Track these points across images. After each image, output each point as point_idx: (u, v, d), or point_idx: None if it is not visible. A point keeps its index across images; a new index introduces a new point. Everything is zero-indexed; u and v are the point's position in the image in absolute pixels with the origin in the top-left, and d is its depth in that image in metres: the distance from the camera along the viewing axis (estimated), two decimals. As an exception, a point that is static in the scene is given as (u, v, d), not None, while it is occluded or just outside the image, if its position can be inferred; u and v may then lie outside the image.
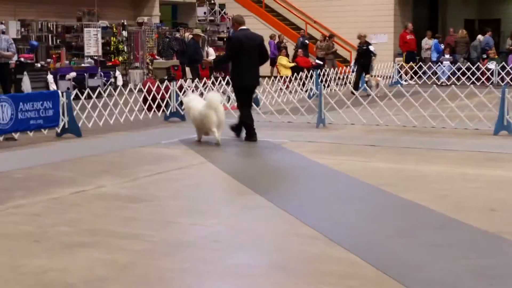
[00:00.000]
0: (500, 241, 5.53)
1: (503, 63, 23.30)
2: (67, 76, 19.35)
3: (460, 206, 6.72)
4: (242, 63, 11.11)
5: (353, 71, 21.72)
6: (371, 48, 20.41)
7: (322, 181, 8.17)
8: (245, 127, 11.24)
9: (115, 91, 14.28)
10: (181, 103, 13.70)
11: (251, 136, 11.14)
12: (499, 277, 4.65)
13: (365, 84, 19.15)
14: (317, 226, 6.00)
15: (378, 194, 7.33)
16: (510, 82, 21.16)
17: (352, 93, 15.29)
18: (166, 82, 15.05)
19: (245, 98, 11.34)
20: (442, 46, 25.48)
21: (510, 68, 22.64)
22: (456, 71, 23.11)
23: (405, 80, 23.69)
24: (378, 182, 7.84)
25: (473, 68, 22.37)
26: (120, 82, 20.53)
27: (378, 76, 21.12)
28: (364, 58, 20.31)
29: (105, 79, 20.34)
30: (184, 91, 14.67)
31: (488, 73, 22.85)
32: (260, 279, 4.80)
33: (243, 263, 5.18)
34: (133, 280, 4.74)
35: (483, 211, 6.52)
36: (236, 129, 11.45)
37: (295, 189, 7.71)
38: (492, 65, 23.23)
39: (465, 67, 22.93)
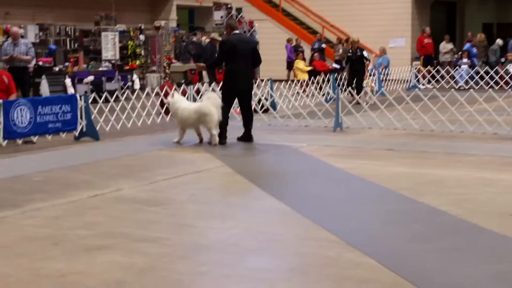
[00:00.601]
0: (519, 246, 5.49)
1: (522, 66, 23.13)
2: (85, 80, 19.47)
3: (478, 210, 6.67)
4: (235, 66, 11.37)
5: (344, 79, 20.39)
6: (365, 53, 19.42)
7: (340, 185, 8.15)
8: (220, 126, 11.21)
9: (132, 95, 14.34)
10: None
11: (223, 138, 11.28)
12: (519, 283, 4.62)
13: (382, 89, 19.15)
14: (335, 230, 5.99)
15: (396, 198, 7.30)
16: (529, 86, 21.01)
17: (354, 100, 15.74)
18: (183, 86, 15.09)
19: (233, 101, 11.77)
20: (475, 50, 25.25)
21: (528, 71, 22.48)
22: (475, 75, 22.98)
23: (423, 84, 23.59)
24: (395, 186, 7.81)
25: (492, 72, 22.24)
26: (137, 85, 20.63)
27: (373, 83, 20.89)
28: (358, 64, 19.00)
29: (122, 82, 20.45)
30: (201, 95, 14.69)
31: (507, 77, 22.70)
32: (278, 283, 4.80)
33: (261, 267, 5.18)
34: (152, 284, 4.76)
35: (503, 216, 6.47)
36: (242, 138, 11.63)
37: (313, 193, 7.69)
38: (511, 69, 23.07)
39: (483, 71, 22.80)
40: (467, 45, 25.52)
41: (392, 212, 6.77)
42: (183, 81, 17.42)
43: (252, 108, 11.59)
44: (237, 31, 11.89)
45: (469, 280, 4.68)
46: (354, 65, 19.01)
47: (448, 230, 6.03)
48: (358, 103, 16.03)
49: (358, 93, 17.10)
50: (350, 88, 17.72)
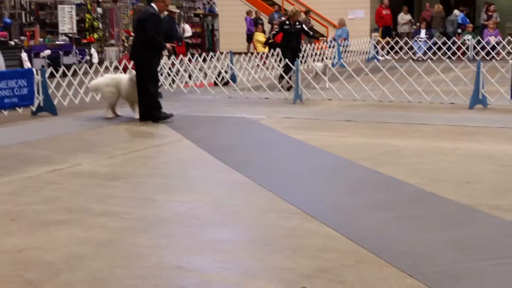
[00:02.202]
0: (474, 213, 5.59)
1: (478, 37, 23.43)
2: (42, 54, 19.12)
3: (436, 179, 6.77)
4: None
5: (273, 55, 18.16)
6: (305, 27, 16.37)
7: (299, 156, 8.19)
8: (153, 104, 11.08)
9: (90, 69, 14.15)
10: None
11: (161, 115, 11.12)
12: (473, 248, 4.71)
13: (341, 60, 19.19)
14: (295, 201, 6.03)
15: (355, 169, 7.37)
16: (486, 57, 21.30)
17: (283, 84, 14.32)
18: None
19: None
20: (468, 20, 25.31)
21: (485, 42, 22.78)
22: (432, 46, 23.19)
23: (382, 56, 23.74)
24: (355, 156, 7.88)
25: (449, 43, 22.48)
26: (95, 59, 20.35)
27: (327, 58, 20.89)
28: (296, 39, 15.55)
29: (80, 56, 20.13)
30: (161, 68, 14.56)
31: (464, 48, 22.96)
32: (238, 254, 4.82)
33: (221, 239, 5.19)
34: (111, 257, 4.74)
35: (459, 184, 6.58)
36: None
37: (273, 165, 7.72)
38: (467, 40, 23.35)
39: (441, 41, 23.02)
40: (461, 15, 25.38)
41: (351, 182, 6.83)
42: (142, 54, 17.18)
43: (147, 87, 10.82)
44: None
45: (426, 247, 4.76)
46: (291, 40, 15.43)
47: (406, 199, 6.12)
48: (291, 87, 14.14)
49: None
50: (283, 71, 14.61)
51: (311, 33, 16.00)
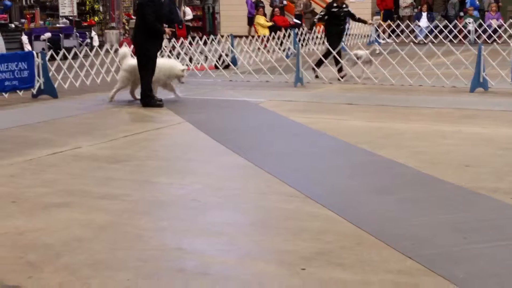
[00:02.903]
0: (474, 196, 5.60)
1: (480, 20, 23.34)
2: (42, 37, 19.09)
3: (436, 162, 6.78)
4: None
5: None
6: (351, 10, 14.92)
7: (300, 139, 8.19)
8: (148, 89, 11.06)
9: (91, 52, 14.12)
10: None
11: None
12: (472, 231, 4.72)
13: (342, 43, 19.13)
14: (295, 183, 6.04)
15: (355, 152, 7.37)
16: (487, 40, 21.23)
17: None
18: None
19: None
20: (478, 2, 25.07)
21: (487, 25, 22.69)
22: (434, 29, 23.10)
23: (383, 39, 23.65)
24: (355, 140, 7.88)
25: (450, 26, 22.39)
26: (96, 42, 20.32)
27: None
28: (343, 23, 14.54)
29: (80, 39, 20.10)
30: (161, 51, 14.52)
31: (465, 31, 22.88)
32: (238, 237, 4.84)
33: (221, 221, 5.21)
34: (111, 239, 4.76)
35: (458, 167, 6.59)
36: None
37: (273, 148, 7.73)
38: (469, 23, 23.26)
39: (442, 25, 22.93)
40: None
41: (352, 165, 6.84)
42: (142, 37, 17.14)
43: (142, 71, 10.90)
44: None
45: (425, 230, 4.78)
46: (338, 24, 14.18)
47: (406, 182, 6.13)
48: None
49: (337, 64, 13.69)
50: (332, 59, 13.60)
51: (357, 16, 14.35)
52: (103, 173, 6.61)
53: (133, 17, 22.67)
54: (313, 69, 13.95)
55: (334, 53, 13.36)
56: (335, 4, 14.00)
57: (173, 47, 15.59)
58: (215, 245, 4.63)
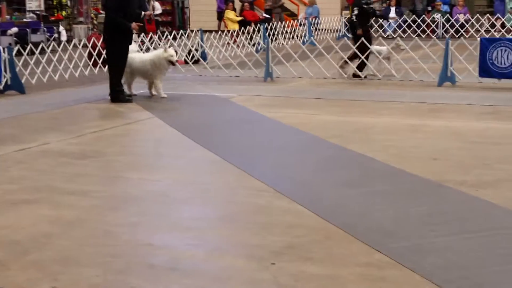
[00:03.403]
0: (441, 189, 5.67)
1: (448, 15, 23.56)
2: (9, 32, 18.84)
3: (404, 156, 6.84)
4: None
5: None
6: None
7: (269, 134, 8.21)
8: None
9: (58, 47, 13.97)
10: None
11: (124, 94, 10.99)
12: (439, 223, 4.78)
13: (311, 38, 19.17)
14: (265, 178, 6.05)
15: (325, 146, 7.41)
16: (455, 34, 21.45)
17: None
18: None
19: None
20: None
21: (454, 20, 22.93)
22: (402, 24, 23.28)
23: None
24: (325, 134, 7.92)
25: (419, 21, 22.57)
26: (64, 37, 20.12)
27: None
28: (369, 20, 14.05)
29: (48, 34, 19.87)
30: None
31: (433, 25, 23.09)
32: (208, 231, 4.84)
33: (191, 216, 5.20)
34: (81, 236, 4.72)
35: (427, 160, 6.66)
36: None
37: (243, 143, 7.73)
38: (437, 17, 23.48)
39: (410, 19, 23.11)
40: None
41: (322, 159, 6.88)
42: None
43: (110, 66, 10.90)
44: None
45: (394, 223, 4.82)
46: (368, 22, 13.89)
47: (375, 176, 6.18)
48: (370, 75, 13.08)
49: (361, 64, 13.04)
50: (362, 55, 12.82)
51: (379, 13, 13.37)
52: (71, 169, 6.56)
53: (101, 11, 22.50)
54: (342, 66, 13.18)
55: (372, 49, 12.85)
56: (368, 1, 13.28)
57: (142, 42, 15.49)
58: (185, 240, 4.63)
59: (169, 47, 11.67)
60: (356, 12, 13.22)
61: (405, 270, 4.01)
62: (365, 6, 13.22)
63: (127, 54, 10.80)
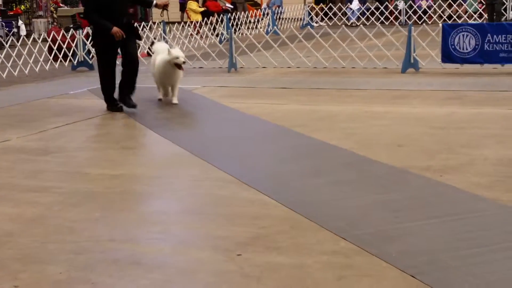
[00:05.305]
0: (405, 175, 5.68)
1: (410, 1, 23.72)
2: (-34, 27, 18.47)
3: (368, 143, 6.85)
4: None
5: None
6: None
7: (235, 125, 8.16)
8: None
9: (17, 42, 13.73)
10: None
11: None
12: (404, 209, 4.79)
13: (275, 27, 19.15)
14: (230, 169, 6.01)
15: (290, 135, 7.38)
16: (417, 21, 21.60)
17: None
18: (71, 31, 14.58)
19: None
20: None
21: (417, 6, 23.08)
22: (366, 11, 23.37)
23: (316, 22, 23.81)
24: (289, 123, 7.89)
25: (382, 8, 22.68)
26: (23, 32, 19.80)
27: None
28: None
29: (7, 29, 19.54)
30: (91, 40, 14.25)
31: (396, 12, 23.23)
32: (173, 225, 4.78)
33: (155, 210, 5.14)
34: (42, 233, 4.63)
35: (390, 147, 6.67)
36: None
37: (208, 134, 7.67)
38: (400, 4, 23.63)
39: (373, 7, 23.21)
40: None
41: (287, 149, 6.85)
42: (71, 25, 16.80)
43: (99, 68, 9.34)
44: None
45: (359, 210, 4.82)
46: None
47: (340, 163, 6.17)
48: None
49: None
50: None
51: None
52: (32, 165, 6.44)
53: (61, 4, 22.18)
54: None
55: None
56: None
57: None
58: (149, 234, 4.56)
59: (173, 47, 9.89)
60: None
61: (370, 257, 4.00)
62: None
63: (116, 55, 9.16)
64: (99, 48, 9.16)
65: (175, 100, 9.49)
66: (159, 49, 9.76)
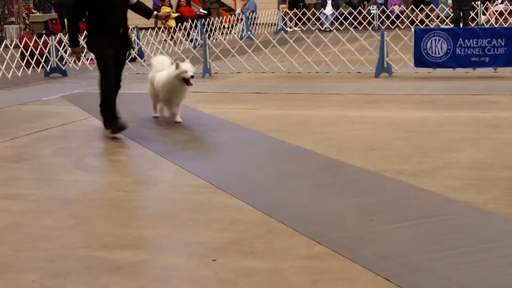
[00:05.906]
0: (380, 179, 5.72)
1: (383, 6, 23.89)
2: None
3: (343, 147, 6.88)
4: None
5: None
6: None
7: (209, 130, 8.14)
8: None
9: (-10, 48, 13.59)
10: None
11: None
12: (378, 212, 4.82)
13: (249, 32, 19.18)
14: (205, 175, 6.00)
15: (265, 141, 7.39)
16: (390, 26, 21.77)
17: None
18: (44, 37, 14.47)
19: None
20: None
21: (389, 11, 23.26)
22: (339, 16, 23.50)
23: (290, 27, 23.89)
24: (264, 128, 7.90)
25: (355, 13, 22.82)
26: (-5, 38, 19.58)
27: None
28: None
29: (-21, 35, 19.34)
30: (64, 46, 14.16)
31: (369, 17, 23.38)
32: (148, 230, 4.75)
33: (129, 216, 5.11)
34: (16, 241, 4.58)
35: (365, 151, 6.71)
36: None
37: (182, 140, 7.65)
38: (373, 9, 23.80)
39: (347, 11, 23.35)
40: None
41: (261, 154, 6.85)
42: (44, 31, 16.67)
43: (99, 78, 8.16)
44: None
45: (334, 214, 4.84)
46: None
47: (315, 168, 6.19)
48: None
49: None
50: None
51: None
52: (5, 173, 6.37)
53: (33, 11, 22.01)
54: None
55: None
56: None
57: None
58: (124, 241, 4.54)
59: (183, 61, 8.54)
60: None
61: (345, 260, 4.02)
62: None
63: (110, 65, 7.99)
64: (99, 54, 8.01)
65: (178, 119, 8.51)
66: (158, 64, 8.88)
